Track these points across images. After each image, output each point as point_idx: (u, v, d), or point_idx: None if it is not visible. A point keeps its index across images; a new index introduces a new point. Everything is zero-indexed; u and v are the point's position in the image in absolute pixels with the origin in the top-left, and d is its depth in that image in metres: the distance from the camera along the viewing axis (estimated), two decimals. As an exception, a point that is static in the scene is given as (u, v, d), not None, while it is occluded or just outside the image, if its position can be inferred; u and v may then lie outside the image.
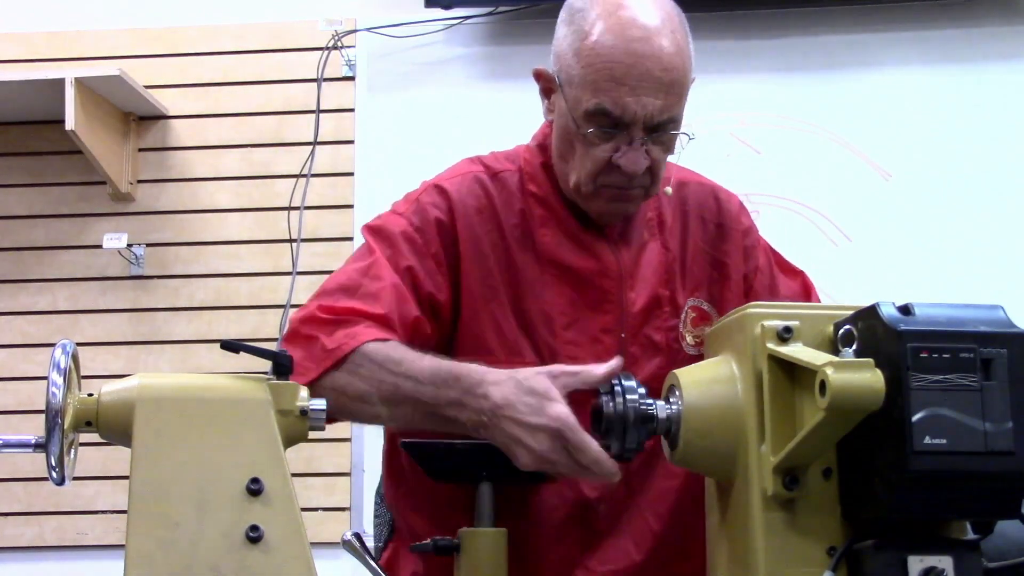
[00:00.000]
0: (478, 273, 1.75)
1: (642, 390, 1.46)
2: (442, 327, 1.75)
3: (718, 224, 1.87)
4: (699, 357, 1.66)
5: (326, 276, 3.52)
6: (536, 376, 1.56)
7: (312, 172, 3.43)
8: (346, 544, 1.52)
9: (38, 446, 1.32)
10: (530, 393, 1.53)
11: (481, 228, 1.77)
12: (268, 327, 3.37)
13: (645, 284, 1.79)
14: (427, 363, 1.62)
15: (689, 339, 1.79)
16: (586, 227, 1.79)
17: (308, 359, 1.66)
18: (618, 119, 1.68)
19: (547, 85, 1.78)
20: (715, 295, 1.83)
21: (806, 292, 1.93)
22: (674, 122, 1.73)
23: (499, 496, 1.59)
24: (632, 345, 1.76)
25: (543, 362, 1.69)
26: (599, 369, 1.55)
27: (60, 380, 1.30)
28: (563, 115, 1.73)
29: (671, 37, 1.72)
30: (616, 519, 1.73)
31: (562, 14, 1.77)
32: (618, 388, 1.46)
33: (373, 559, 1.51)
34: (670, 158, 1.78)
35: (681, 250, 1.83)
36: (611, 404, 1.46)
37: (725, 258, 1.85)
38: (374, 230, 1.79)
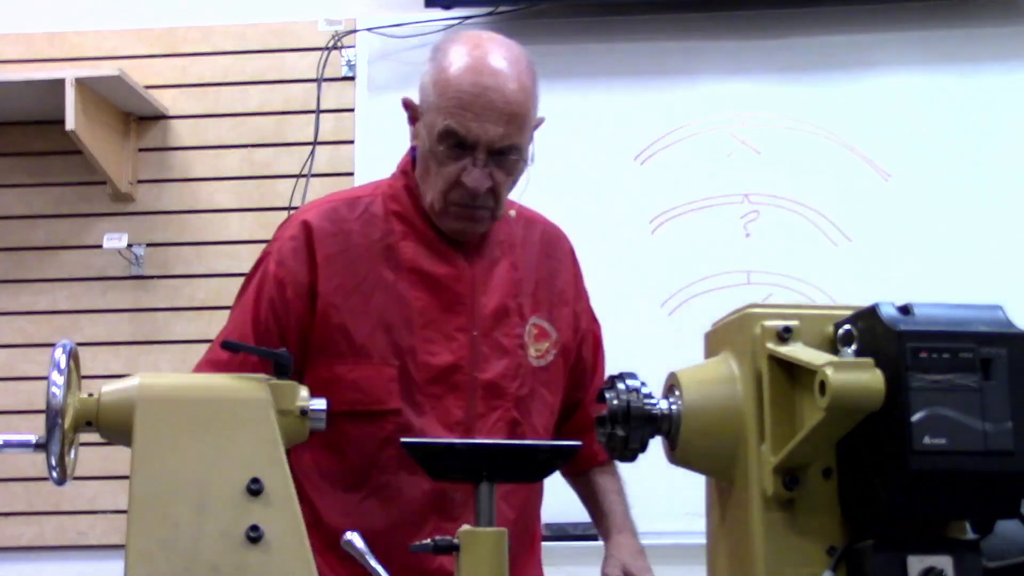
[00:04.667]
0: (333, 287, 2.01)
1: (646, 389, 1.46)
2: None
3: (558, 259, 2.19)
4: (543, 369, 2.08)
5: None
6: None
7: (312, 172, 3.43)
8: (346, 544, 1.52)
9: (38, 446, 1.32)
10: None
11: (335, 248, 2.03)
12: (268, 327, 3.37)
13: (495, 293, 2.07)
14: None
15: (532, 351, 2.09)
16: (445, 241, 2.06)
17: None
18: (463, 140, 1.95)
19: (412, 113, 2.05)
20: (554, 316, 2.13)
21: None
22: (516, 150, 2.00)
23: (363, 491, 1.92)
24: (483, 345, 2.04)
25: (400, 358, 1.99)
26: None
27: (60, 380, 1.30)
28: (422, 139, 2.01)
29: (517, 78, 1.99)
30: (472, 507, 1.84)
31: (429, 53, 2.06)
32: (622, 387, 1.46)
33: (374, 559, 1.51)
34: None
35: (529, 273, 2.12)
36: (616, 403, 1.46)
37: (563, 287, 2.17)
38: (254, 276, 2.09)
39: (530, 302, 2.11)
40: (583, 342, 2.19)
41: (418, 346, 2.01)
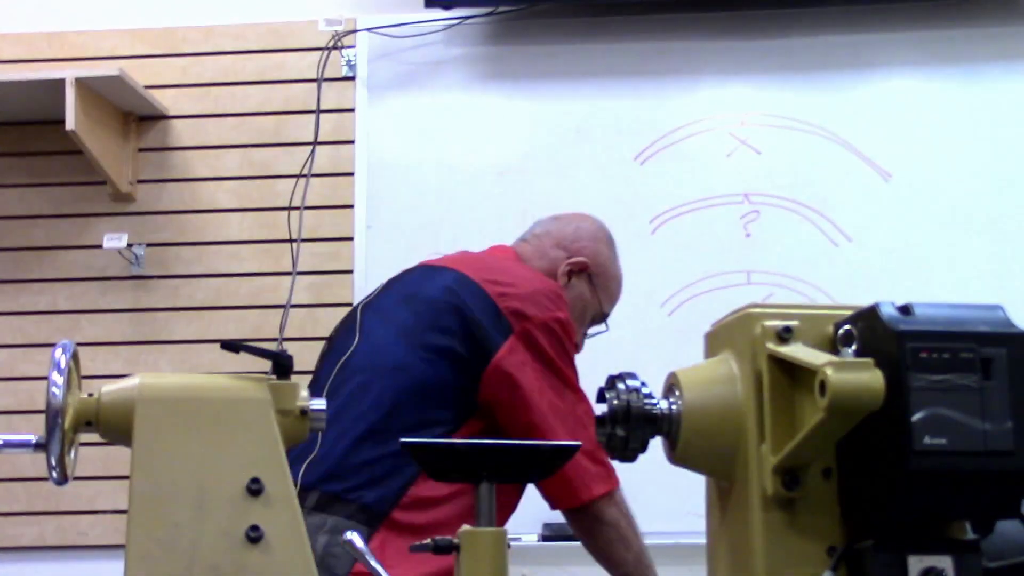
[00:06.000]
0: None
1: (646, 389, 1.46)
2: None
3: None
4: None
5: (326, 276, 3.52)
6: None
7: (312, 172, 3.43)
8: (346, 544, 1.51)
9: (38, 446, 1.32)
10: None
11: None
12: (268, 327, 3.37)
13: None
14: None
15: None
16: None
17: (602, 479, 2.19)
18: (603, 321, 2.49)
19: (581, 271, 2.40)
20: None
21: None
22: None
23: None
24: None
25: None
26: None
27: (60, 380, 1.30)
28: (585, 298, 2.40)
29: None
30: None
31: (602, 234, 2.47)
32: (622, 387, 1.46)
33: (374, 559, 1.51)
34: None
35: None
36: (616, 403, 1.46)
37: None
38: (571, 338, 2.23)
39: None
40: None
41: None
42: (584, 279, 2.41)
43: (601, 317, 2.47)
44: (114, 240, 3.43)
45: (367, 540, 2.03)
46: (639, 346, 3.19)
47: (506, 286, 2.20)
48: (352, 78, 3.49)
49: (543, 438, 2.11)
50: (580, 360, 2.48)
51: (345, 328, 2.32)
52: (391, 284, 2.36)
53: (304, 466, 2.06)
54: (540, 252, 2.42)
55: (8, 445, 1.35)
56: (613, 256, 2.48)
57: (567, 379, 2.19)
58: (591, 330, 2.48)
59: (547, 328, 2.18)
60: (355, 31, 3.48)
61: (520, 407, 2.15)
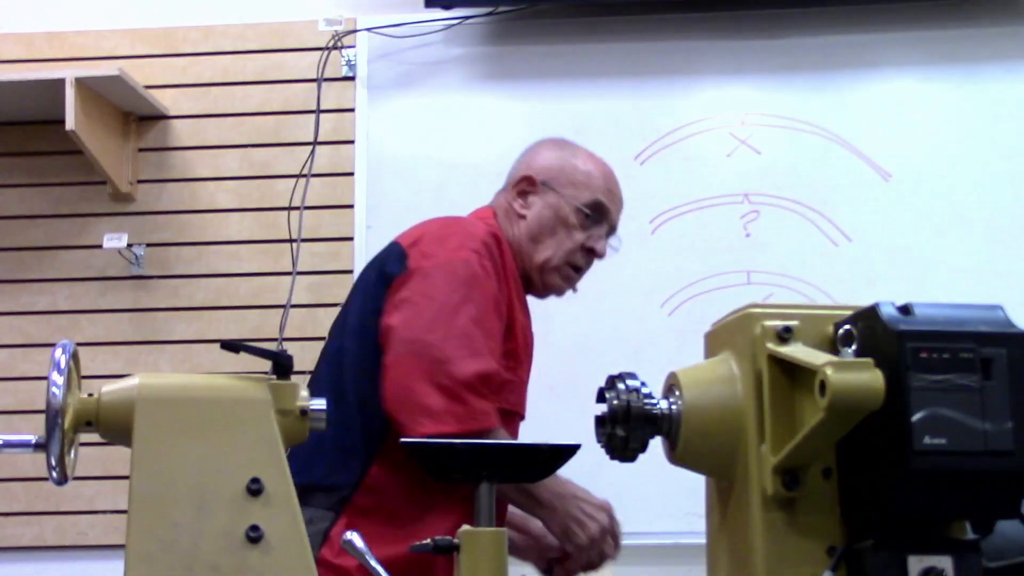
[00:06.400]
0: (508, 313, 2.18)
1: (646, 389, 1.46)
2: None
3: None
4: None
5: (326, 276, 3.52)
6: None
7: (312, 172, 3.43)
8: (346, 544, 1.52)
9: (38, 446, 1.32)
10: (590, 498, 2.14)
11: (507, 270, 2.22)
12: (268, 327, 3.37)
13: None
14: None
15: None
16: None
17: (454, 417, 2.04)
18: (605, 214, 2.32)
19: (530, 186, 2.32)
20: None
21: None
22: (616, 235, 2.39)
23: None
24: None
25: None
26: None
27: (60, 380, 1.30)
28: (552, 204, 2.29)
29: None
30: None
31: (548, 145, 2.40)
32: (622, 387, 1.46)
33: (373, 558, 1.51)
34: None
35: None
36: (616, 404, 1.46)
37: None
38: (472, 280, 2.11)
39: None
40: None
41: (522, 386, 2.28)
42: (539, 192, 2.33)
43: (595, 211, 2.31)
44: (114, 240, 3.43)
45: (332, 525, 2.06)
46: (639, 346, 3.20)
47: (418, 235, 2.22)
48: (352, 78, 3.49)
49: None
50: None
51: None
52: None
53: None
54: (499, 196, 2.41)
55: (8, 445, 1.35)
56: (566, 153, 2.37)
57: (462, 311, 2.09)
58: (605, 238, 2.35)
59: (446, 267, 2.12)
60: (355, 31, 3.48)
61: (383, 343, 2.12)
